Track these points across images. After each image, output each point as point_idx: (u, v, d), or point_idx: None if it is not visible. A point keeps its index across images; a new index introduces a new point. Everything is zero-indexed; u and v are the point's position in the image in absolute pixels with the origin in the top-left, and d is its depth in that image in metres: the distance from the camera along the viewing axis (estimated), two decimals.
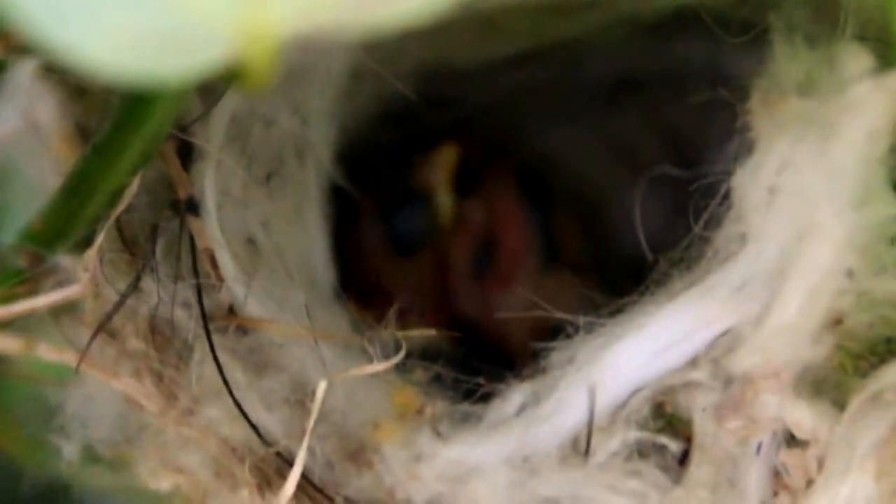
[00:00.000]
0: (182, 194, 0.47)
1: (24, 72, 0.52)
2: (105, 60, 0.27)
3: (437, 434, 0.43)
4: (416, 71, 0.61)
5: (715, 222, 0.43)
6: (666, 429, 0.43)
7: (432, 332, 0.50)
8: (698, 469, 0.42)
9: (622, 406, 0.42)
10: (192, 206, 0.47)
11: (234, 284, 0.47)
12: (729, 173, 0.42)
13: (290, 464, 0.44)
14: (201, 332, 0.46)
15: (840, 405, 0.41)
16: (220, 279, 0.47)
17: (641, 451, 0.43)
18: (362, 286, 0.59)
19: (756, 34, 0.43)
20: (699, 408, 0.42)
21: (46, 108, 0.52)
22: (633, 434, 0.42)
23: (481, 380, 0.45)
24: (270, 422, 0.45)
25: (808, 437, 0.41)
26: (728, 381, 0.41)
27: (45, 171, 0.52)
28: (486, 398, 0.45)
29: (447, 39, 0.61)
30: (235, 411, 0.45)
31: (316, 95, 0.56)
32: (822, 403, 0.41)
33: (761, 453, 0.41)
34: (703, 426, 0.42)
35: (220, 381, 0.45)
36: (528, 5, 0.58)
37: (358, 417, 0.45)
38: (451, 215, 0.64)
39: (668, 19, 0.59)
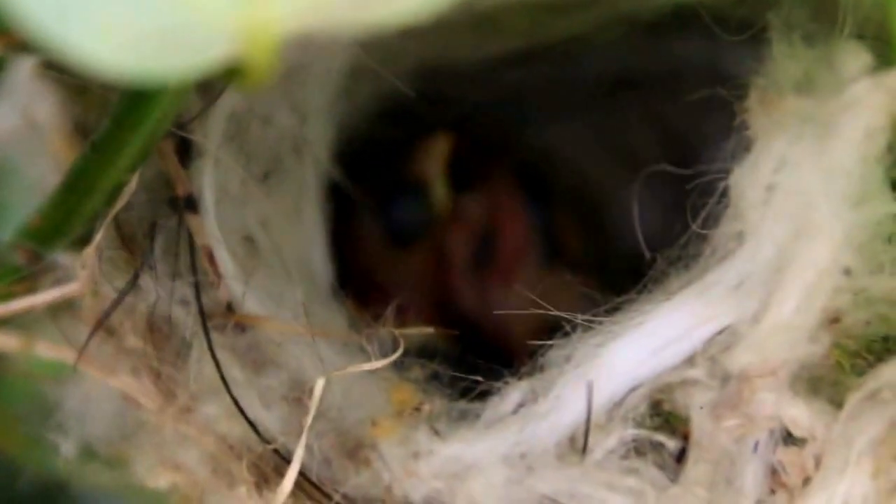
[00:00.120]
0: (180, 192, 0.47)
1: (24, 70, 0.52)
2: (105, 58, 0.27)
3: (435, 431, 0.44)
4: (415, 69, 0.61)
5: (713, 220, 0.43)
6: (663, 427, 0.43)
7: (430, 329, 0.51)
8: (695, 467, 0.42)
9: (620, 404, 0.42)
10: (191, 204, 0.47)
11: (233, 282, 0.47)
12: (727, 171, 0.42)
13: (287, 461, 0.44)
14: (199, 329, 0.46)
15: (837, 403, 0.41)
16: (219, 277, 0.47)
17: (639, 449, 0.43)
18: (360, 284, 0.59)
19: (754, 33, 0.43)
20: (696, 406, 0.42)
21: (45, 106, 0.52)
22: (631, 432, 0.42)
23: (479, 377, 0.45)
24: (268, 419, 0.45)
25: (805, 435, 0.41)
26: (725, 379, 0.41)
27: (44, 169, 0.52)
28: (483, 396, 0.45)
29: (446, 38, 0.61)
30: (233, 409, 0.45)
31: (314, 94, 0.56)
32: (819, 401, 0.41)
33: (758, 451, 0.41)
34: (700, 424, 0.42)
35: (218, 379, 0.45)
36: (526, 4, 0.58)
37: (356, 415, 0.45)
38: (447, 206, 0.64)
39: (667, 18, 0.59)
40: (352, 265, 0.61)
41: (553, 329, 0.45)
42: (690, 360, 0.42)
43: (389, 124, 0.66)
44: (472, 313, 0.64)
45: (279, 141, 0.54)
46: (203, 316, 0.46)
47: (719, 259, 0.42)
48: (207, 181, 0.48)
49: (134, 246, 0.48)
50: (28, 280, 0.47)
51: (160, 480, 0.48)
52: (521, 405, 0.44)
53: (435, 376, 0.47)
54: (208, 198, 0.48)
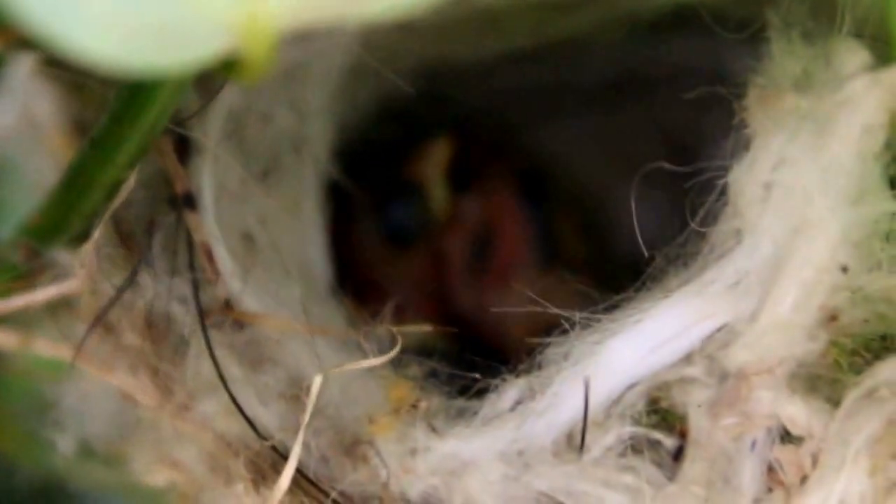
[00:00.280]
0: (179, 189, 0.48)
1: (23, 67, 0.52)
2: (103, 53, 0.27)
3: (432, 428, 0.43)
4: (415, 68, 0.61)
5: (711, 218, 0.43)
6: (660, 424, 0.43)
7: (428, 327, 0.51)
8: (692, 465, 0.42)
9: (617, 401, 0.42)
10: (189, 201, 0.47)
11: (231, 279, 0.47)
12: (725, 169, 0.42)
13: (285, 458, 0.44)
14: (197, 327, 0.46)
15: (834, 401, 0.41)
16: (217, 274, 0.47)
17: (636, 447, 0.43)
18: (358, 282, 0.59)
19: (753, 31, 0.43)
20: (694, 403, 0.42)
21: (44, 103, 0.52)
22: (628, 429, 0.42)
23: (477, 375, 0.45)
24: (266, 416, 0.45)
25: (802, 433, 0.41)
26: (723, 377, 0.41)
27: (43, 166, 0.52)
28: (481, 393, 0.45)
29: (447, 37, 0.61)
30: (231, 406, 0.45)
31: (314, 92, 0.56)
32: (816, 400, 0.41)
33: (756, 449, 0.41)
34: (697, 422, 0.42)
35: (216, 376, 0.45)
36: (527, 3, 0.58)
37: (353, 412, 0.45)
38: (446, 208, 0.64)
39: (666, 17, 0.59)
40: (350, 264, 0.61)
41: (551, 329, 0.45)
42: (688, 358, 0.42)
43: (389, 124, 0.66)
44: (469, 314, 0.64)
45: (278, 139, 0.54)
46: (201, 313, 0.46)
47: (717, 257, 0.42)
48: (206, 179, 0.48)
49: (132, 243, 0.48)
50: (26, 277, 0.47)
51: (158, 478, 0.48)
52: (518, 402, 0.43)
53: (432, 374, 0.47)
54: (207, 195, 0.48)
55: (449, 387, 0.47)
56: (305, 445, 0.44)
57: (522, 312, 0.46)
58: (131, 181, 0.44)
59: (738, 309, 0.41)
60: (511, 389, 0.44)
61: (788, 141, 0.40)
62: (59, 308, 0.48)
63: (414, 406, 0.45)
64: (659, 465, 0.43)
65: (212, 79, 0.47)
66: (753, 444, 0.41)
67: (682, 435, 0.42)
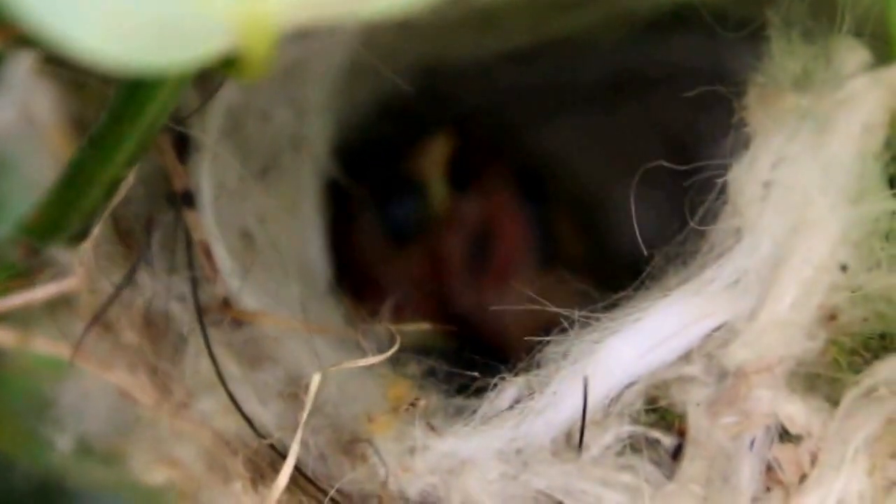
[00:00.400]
0: (178, 187, 0.48)
1: (22, 65, 0.52)
2: (102, 50, 0.27)
3: (431, 427, 0.43)
4: (414, 67, 0.61)
5: (711, 217, 0.43)
6: (659, 423, 0.43)
7: (427, 326, 0.51)
8: (691, 464, 0.42)
9: (616, 400, 0.42)
10: (188, 199, 0.47)
11: (230, 277, 0.47)
12: (725, 168, 0.42)
13: (283, 456, 0.44)
14: (196, 325, 0.46)
15: (833, 400, 0.41)
16: (216, 272, 0.47)
17: (634, 446, 0.43)
18: (357, 280, 0.59)
19: (753, 30, 0.43)
20: (693, 402, 0.42)
21: (43, 101, 0.52)
22: (627, 428, 0.42)
23: (476, 373, 0.45)
24: (264, 415, 0.45)
25: (801, 432, 0.41)
26: (722, 376, 0.41)
27: (42, 164, 0.52)
28: (480, 392, 0.45)
29: (446, 36, 0.61)
30: (229, 404, 0.45)
31: (313, 90, 0.56)
32: (815, 399, 0.41)
33: (754, 448, 0.41)
34: (696, 421, 0.42)
35: (215, 375, 0.45)
36: (526, 1, 0.58)
37: (351, 410, 0.45)
38: (445, 205, 0.64)
39: (666, 15, 0.59)
40: (349, 262, 0.61)
41: (550, 327, 0.45)
42: (687, 357, 0.42)
43: (388, 122, 0.66)
44: (469, 312, 0.64)
45: (278, 137, 0.54)
46: (200, 311, 0.46)
47: (717, 256, 0.42)
48: (205, 176, 0.48)
49: (131, 241, 0.48)
50: (25, 275, 0.47)
51: (156, 476, 0.48)
52: (517, 401, 0.43)
53: (431, 372, 0.47)
54: (206, 193, 0.48)
55: (448, 385, 0.46)
56: (304, 444, 0.44)
57: (521, 311, 0.46)
58: (130, 179, 0.44)
59: (738, 308, 0.41)
60: (510, 388, 0.44)
61: (788, 140, 0.40)
62: (58, 306, 0.48)
63: (412, 404, 0.45)
64: (658, 463, 0.43)
65: (211, 77, 0.47)
66: (752, 442, 0.41)
67: (681, 434, 0.42)
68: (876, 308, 0.41)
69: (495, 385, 0.44)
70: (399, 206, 0.65)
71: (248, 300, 0.48)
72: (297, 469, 0.44)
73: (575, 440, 0.42)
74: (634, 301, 0.44)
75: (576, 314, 0.44)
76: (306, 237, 0.56)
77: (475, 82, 0.67)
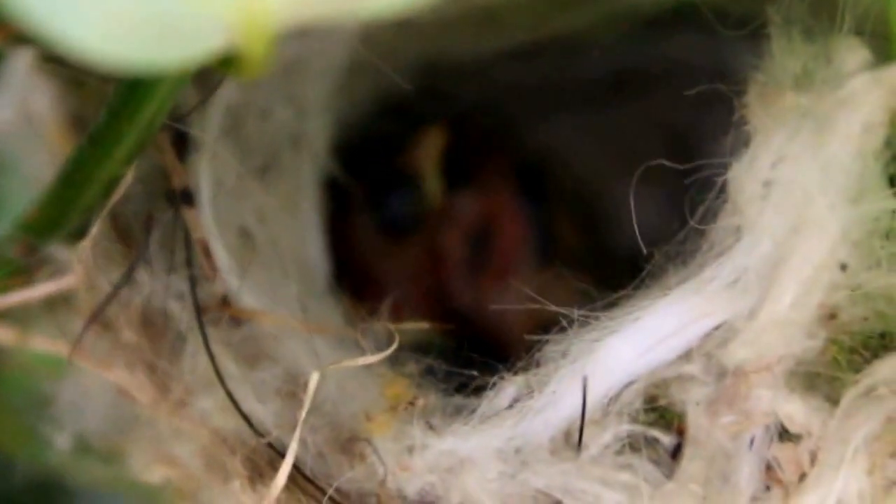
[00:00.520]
0: (177, 185, 0.47)
1: (21, 62, 0.52)
2: (101, 48, 0.27)
3: (429, 426, 0.43)
4: (414, 64, 0.61)
5: (711, 216, 0.43)
6: (658, 422, 0.43)
7: (425, 325, 0.50)
8: (690, 463, 0.42)
9: (615, 399, 0.42)
10: (187, 198, 0.47)
11: (228, 276, 0.47)
12: (725, 167, 0.42)
13: (281, 455, 0.44)
14: (194, 323, 0.46)
15: (833, 400, 0.41)
16: (214, 270, 0.47)
17: (634, 445, 0.42)
18: (356, 278, 0.59)
19: (754, 28, 0.43)
20: (692, 401, 0.42)
21: (42, 99, 0.52)
22: (626, 427, 0.42)
23: (474, 372, 0.45)
24: (263, 413, 0.45)
25: (800, 431, 0.41)
26: (721, 375, 0.41)
27: (41, 162, 0.52)
28: (479, 391, 0.45)
29: (445, 33, 0.61)
30: (228, 403, 0.45)
31: (312, 88, 0.56)
32: (815, 398, 0.41)
33: (754, 447, 0.41)
34: (695, 420, 0.42)
35: (213, 373, 0.45)
36: None
37: (350, 409, 0.45)
38: (441, 198, 0.64)
39: (667, 13, 0.59)
40: (348, 260, 0.61)
41: (549, 325, 0.45)
42: (687, 356, 0.42)
43: (388, 119, 0.66)
44: (468, 311, 0.64)
45: (277, 135, 0.54)
46: (198, 310, 0.46)
47: (717, 254, 0.42)
48: (204, 175, 0.48)
49: (130, 239, 0.48)
50: (24, 273, 0.47)
51: (154, 474, 0.48)
52: (516, 400, 0.43)
53: (430, 371, 0.47)
54: (205, 191, 0.48)
55: (446, 384, 0.46)
56: (302, 442, 0.44)
57: (521, 309, 0.46)
58: (129, 177, 0.44)
59: (737, 306, 0.41)
60: (509, 387, 0.44)
61: (788, 138, 0.40)
62: (57, 304, 0.48)
63: (411, 403, 0.45)
64: (657, 462, 0.43)
65: (210, 75, 0.47)
66: (752, 441, 0.41)
67: (681, 433, 0.42)
68: (876, 307, 0.41)
69: (494, 384, 0.44)
70: (394, 201, 0.65)
71: (247, 299, 0.48)
72: (296, 468, 0.44)
73: (574, 439, 0.42)
74: (634, 300, 0.44)
75: (575, 313, 0.44)
76: (305, 236, 0.56)
77: (475, 80, 0.67)
